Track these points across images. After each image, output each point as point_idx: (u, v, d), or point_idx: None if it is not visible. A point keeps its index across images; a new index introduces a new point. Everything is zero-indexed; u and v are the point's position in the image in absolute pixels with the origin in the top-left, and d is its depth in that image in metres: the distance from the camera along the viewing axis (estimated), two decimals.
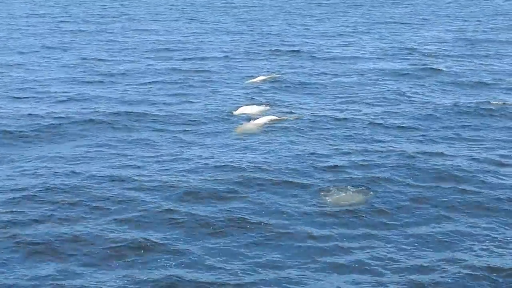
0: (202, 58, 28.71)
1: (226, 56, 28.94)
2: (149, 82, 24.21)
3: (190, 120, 18.97)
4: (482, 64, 26.77)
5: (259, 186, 13.87)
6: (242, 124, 18.36)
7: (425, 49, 30.23)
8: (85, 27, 38.92)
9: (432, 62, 27.03)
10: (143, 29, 38.11)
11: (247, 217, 12.43)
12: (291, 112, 19.58)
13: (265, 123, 18.28)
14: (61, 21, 41.55)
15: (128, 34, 35.94)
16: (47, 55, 29.71)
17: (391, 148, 16.32)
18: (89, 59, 28.77)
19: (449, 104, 20.15)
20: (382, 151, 16.07)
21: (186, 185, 13.92)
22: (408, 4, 50.21)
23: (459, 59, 27.91)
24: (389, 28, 37.49)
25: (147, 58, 29.06)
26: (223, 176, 14.38)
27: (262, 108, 19.78)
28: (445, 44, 31.69)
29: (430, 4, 49.87)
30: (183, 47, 31.72)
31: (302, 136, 17.37)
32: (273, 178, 14.21)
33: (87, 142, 17.23)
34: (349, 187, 13.78)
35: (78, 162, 15.61)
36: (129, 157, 15.95)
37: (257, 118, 18.60)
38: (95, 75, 25.45)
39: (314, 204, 13.05)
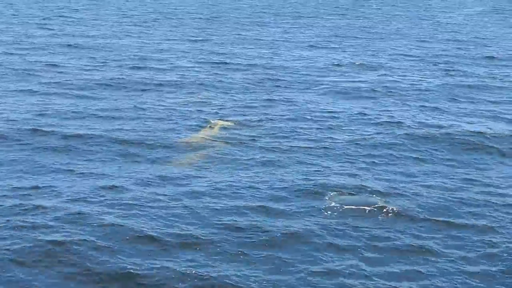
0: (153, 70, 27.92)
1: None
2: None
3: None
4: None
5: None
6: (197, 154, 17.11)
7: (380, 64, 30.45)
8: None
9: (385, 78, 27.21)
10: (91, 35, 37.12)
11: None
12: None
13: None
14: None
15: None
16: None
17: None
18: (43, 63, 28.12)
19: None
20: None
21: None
22: (361, 17, 50.58)
23: (416, 74, 28.12)
24: (343, 42, 37.53)
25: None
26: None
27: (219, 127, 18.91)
28: (400, 59, 31.93)
29: (382, 20, 50.27)
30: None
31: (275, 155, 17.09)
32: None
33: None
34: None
35: None
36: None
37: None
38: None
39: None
